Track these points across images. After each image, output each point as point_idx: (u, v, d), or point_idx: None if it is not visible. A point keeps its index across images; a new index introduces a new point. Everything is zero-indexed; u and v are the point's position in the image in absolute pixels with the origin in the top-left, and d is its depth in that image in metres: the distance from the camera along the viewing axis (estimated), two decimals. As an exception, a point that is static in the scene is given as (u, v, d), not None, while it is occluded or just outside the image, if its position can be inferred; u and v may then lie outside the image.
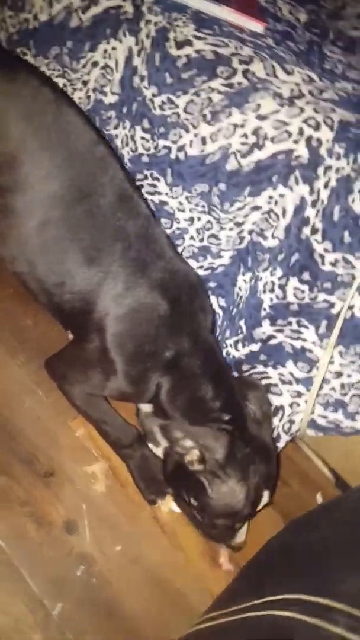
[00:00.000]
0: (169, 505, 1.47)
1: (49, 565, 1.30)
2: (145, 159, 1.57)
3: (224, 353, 1.56)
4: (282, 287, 1.40)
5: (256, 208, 1.43)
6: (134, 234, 1.35)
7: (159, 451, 1.49)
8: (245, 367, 1.54)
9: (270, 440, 1.39)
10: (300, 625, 0.69)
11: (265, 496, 1.31)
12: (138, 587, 1.34)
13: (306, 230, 1.35)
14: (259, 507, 1.32)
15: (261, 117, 1.39)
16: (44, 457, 1.46)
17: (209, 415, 1.32)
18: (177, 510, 1.46)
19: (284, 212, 1.38)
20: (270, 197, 1.40)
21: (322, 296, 1.37)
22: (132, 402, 1.53)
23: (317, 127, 1.34)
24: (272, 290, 1.42)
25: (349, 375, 1.41)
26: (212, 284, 1.58)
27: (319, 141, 1.33)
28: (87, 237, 1.33)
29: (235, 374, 1.55)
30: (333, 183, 1.31)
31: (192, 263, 1.56)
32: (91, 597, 1.29)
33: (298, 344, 1.45)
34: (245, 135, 1.40)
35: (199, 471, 1.28)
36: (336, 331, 1.35)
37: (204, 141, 1.46)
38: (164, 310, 1.33)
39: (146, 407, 1.45)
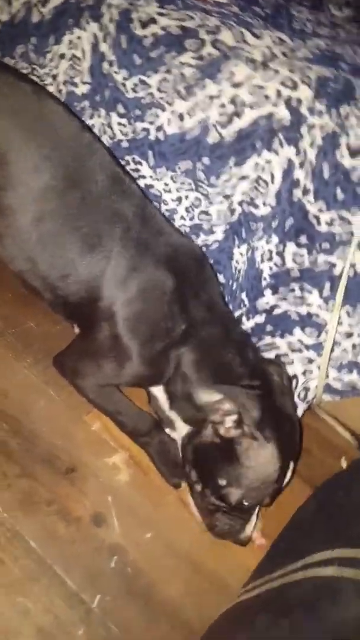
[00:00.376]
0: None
1: (82, 560, 1.29)
2: (125, 144, 1.55)
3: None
4: (280, 254, 1.38)
5: (243, 178, 1.41)
6: (131, 215, 1.33)
7: (176, 435, 1.49)
8: (252, 340, 1.52)
9: (295, 414, 1.39)
10: (343, 581, 0.68)
11: (290, 469, 1.29)
12: (174, 571, 1.34)
13: (297, 193, 1.33)
14: (285, 481, 1.30)
15: (236, 85, 1.37)
16: (64, 454, 1.45)
17: (238, 382, 1.30)
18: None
19: (272, 177, 1.36)
20: (257, 164, 1.38)
21: (322, 258, 1.35)
22: (147, 386, 1.51)
23: (294, 87, 1.32)
24: (270, 259, 1.40)
25: (359, 335, 1.40)
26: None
27: (299, 100, 1.31)
28: (85, 224, 1.31)
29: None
30: (319, 141, 1.29)
31: (186, 243, 1.54)
32: (128, 586, 1.28)
33: (303, 310, 1.43)
34: (222, 106, 1.39)
35: (235, 439, 1.25)
36: (341, 291, 1.34)
37: (181, 117, 1.44)
38: (173, 284, 1.31)
39: (159, 393, 1.43)
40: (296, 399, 1.50)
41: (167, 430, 1.49)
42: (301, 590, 0.71)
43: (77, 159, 1.33)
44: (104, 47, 1.52)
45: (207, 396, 1.26)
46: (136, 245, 1.31)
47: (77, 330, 1.51)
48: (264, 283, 1.42)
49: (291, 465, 1.29)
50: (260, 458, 1.25)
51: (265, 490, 1.28)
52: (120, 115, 1.53)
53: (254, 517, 1.33)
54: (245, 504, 1.28)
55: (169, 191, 1.53)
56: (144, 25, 1.46)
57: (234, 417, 1.24)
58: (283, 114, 1.32)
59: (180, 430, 1.42)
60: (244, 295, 1.49)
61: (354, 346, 1.41)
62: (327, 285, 1.36)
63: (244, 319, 1.49)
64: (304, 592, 0.71)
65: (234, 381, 1.29)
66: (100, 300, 1.31)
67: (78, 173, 1.32)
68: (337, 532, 0.79)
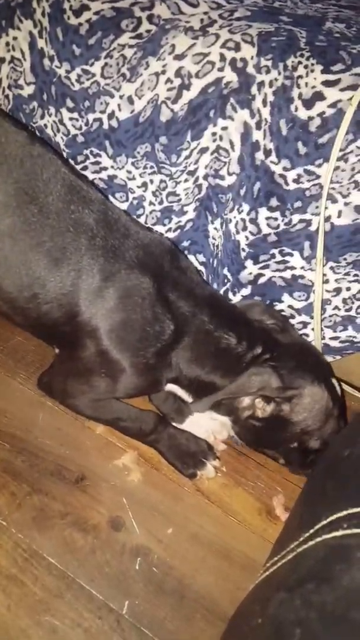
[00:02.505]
0: (210, 472, 1.42)
1: (105, 568, 1.26)
2: (80, 138, 1.50)
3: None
4: (254, 222, 1.33)
5: (203, 150, 1.36)
6: (93, 222, 1.29)
7: (182, 426, 1.45)
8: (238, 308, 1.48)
9: (302, 339, 1.41)
10: (354, 539, 0.63)
11: (336, 384, 1.31)
12: (202, 563, 1.30)
13: (259, 155, 1.28)
14: (340, 394, 1.31)
15: (179, 57, 1.32)
16: (72, 464, 1.42)
17: (243, 359, 1.28)
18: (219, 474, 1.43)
19: (232, 144, 1.31)
20: (214, 134, 1.33)
21: (296, 217, 1.30)
22: (148, 394, 1.48)
23: (237, 48, 1.27)
24: (244, 229, 1.35)
25: (347, 289, 1.35)
26: (185, 243, 1.52)
27: (244, 60, 1.26)
28: (47, 239, 1.26)
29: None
30: (271, 97, 1.24)
31: (159, 228, 1.50)
32: (157, 586, 1.25)
33: (288, 274, 1.38)
34: (169, 81, 1.34)
35: (275, 410, 1.25)
36: (320, 248, 1.29)
37: (130, 101, 1.39)
38: (150, 286, 1.26)
39: (178, 392, 1.39)
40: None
41: (175, 423, 1.45)
42: (311, 561, 0.67)
43: (30, 172, 1.29)
44: (41, 42, 1.47)
45: (223, 403, 1.28)
46: (104, 253, 1.27)
47: (57, 350, 1.46)
48: (243, 254, 1.37)
49: (333, 380, 1.30)
50: (307, 404, 1.25)
51: (334, 417, 1.29)
52: (70, 110, 1.48)
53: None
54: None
55: (133, 178, 1.49)
56: (77, 13, 1.42)
57: (259, 400, 1.24)
58: (231, 77, 1.27)
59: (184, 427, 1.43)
60: (225, 271, 1.44)
61: (344, 301, 1.36)
62: (307, 244, 1.31)
63: (230, 294, 1.45)
64: (315, 561, 0.66)
65: (239, 360, 1.28)
66: (78, 316, 1.26)
67: (32, 187, 1.28)
68: (345, 492, 0.75)
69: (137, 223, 1.37)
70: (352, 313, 1.38)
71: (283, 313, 1.44)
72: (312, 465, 1.30)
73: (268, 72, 1.24)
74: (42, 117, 1.54)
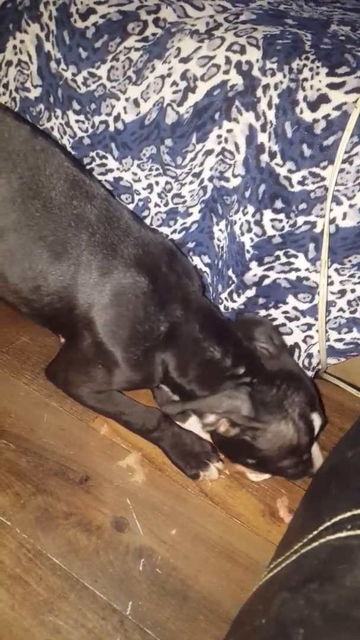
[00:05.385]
0: (213, 474, 1.42)
1: (109, 569, 1.26)
2: (86, 140, 1.51)
3: (222, 308, 1.50)
4: (259, 223, 1.33)
5: (209, 152, 1.37)
6: (95, 218, 1.31)
7: (187, 425, 1.45)
8: (232, 325, 1.48)
9: (294, 366, 1.37)
10: (357, 540, 0.63)
11: (316, 418, 1.29)
12: (206, 564, 1.30)
13: (264, 157, 1.28)
14: (317, 431, 1.30)
15: (185, 60, 1.33)
16: (75, 464, 1.42)
17: (224, 375, 1.28)
18: (222, 475, 1.43)
19: (237, 146, 1.32)
20: (219, 137, 1.34)
21: (300, 219, 1.30)
22: (144, 388, 1.49)
23: (242, 51, 1.28)
24: (249, 230, 1.35)
25: (352, 290, 1.35)
26: (190, 244, 1.52)
27: (249, 63, 1.27)
28: (49, 233, 1.28)
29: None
30: (276, 100, 1.24)
31: (164, 230, 1.51)
32: (160, 587, 1.24)
33: (292, 275, 1.38)
34: (175, 84, 1.35)
35: (238, 435, 1.26)
36: (325, 250, 1.29)
37: (136, 103, 1.40)
38: (146, 286, 1.28)
39: (167, 389, 1.40)
40: (301, 367, 1.46)
41: (179, 423, 1.45)
42: (315, 561, 0.67)
43: (33, 166, 1.30)
44: (48, 46, 1.49)
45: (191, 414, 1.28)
46: (103, 250, 1.28)
47: (62, 340, 1.48)
48: (247, 256, 1.37)
49: (314, 415, 1.29)
50: (269, 440, 1.26)
51: (296, 452, 1.29)
52: (77, 113, 1.49)
53: (316, 450, 1.33)
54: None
55: (139, 180, 1.49)
56: (84, 17, 1.43)
57: (224, 421, 1.25)
58: (236, 79, 1.28)
59: (195, 423, 1.41)
60: (230, 272, 1.44)
61: (349, 303, 1.36)
62: (311, 246, 1.31)
63: (234, 295, 1.45)
64: (318, 561, 0.66)
65: (221, 374, 1.29)
66: (76, 308, 1.29)
67: (35, 181, 1.29)
68: (348, 493, 0.75)
69: (140, 222, 1.38)
70: (357, 315, 1.38)
71: (287, 314, 1.44)
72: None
73: (273, 74, 1.24)
74: (49, 119, 1.55)
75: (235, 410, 1.21)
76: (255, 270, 1.39)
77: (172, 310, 1.30)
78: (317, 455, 1.34)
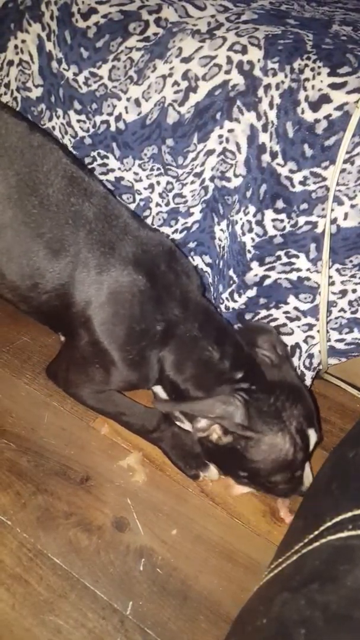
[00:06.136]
0: (213, 474, 1.42)
1: (110, 569, 1.25)
2: (87, 140, 1.51)
3: (222, 308, 1.50)
4: (260, 223, 1.33)
5: (210, 152, 1.37)
6: (93, 216, 1.30)
7: (186, 426, 1.45)
8: (248, 316, 1.48)
9: (295, 378, 1.33)
10: (358, 540, 0.63)
11: (312, 434, 1.25)
12: (206, 564, 1.29)
13: (266, 157, 1.28)
14: (311, 447, 1.26)
15: (186, 60, 1.33)
16: (76, 464, 1.42)
17: (221, 378, 1.26)
18: (222, 476, 1.41)
19: (238, 146, 1.32)
20: (220, 137, 1.33)
21: (302, 219, 1.30)
22: (141, 389, 1.48)
23: (244, 51, 1.28)
24: (250, 230, 1.35)
25: (353, 291, 1.35)
26: (191, 244, 1.52)
27: (250, 63, 1.27)
28: (46, 230, 1.28)
29: (238, 325, 1.50)
30: (277, 100, 1.24)
31: (166, 229, 1.51)
32: (161, 587, 1.24)
33: (293, 276, 1.38)
34: (176, 83, 1.35)
35: (231, 443, 1.23)
36: (326, 250, 1.29)
37: (138, 103, 1.40)
38: (143, 284, 1.27)
39: (159, 392, 1.39)
40: (302, 369, 1.45)
41: (179, 423, 1.45)
42: (316, 561, 0.67)
43: (30, 163, 1.30)
44: (49, 45, 1.49)
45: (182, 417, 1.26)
46: (101, 247, 1.28)
47: (62, 338, 1.48)
48: (248, 256, 1.37)
49: (310, 430, 1.25)
50: (263, 452, 1.21)
51: (290, 468, 1.24)
52: (78, 112, 1.49)
53: (307, 468, 1.30)
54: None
55: (140, 180, 1.49)
56: (85, 16, 1.43)
57: (216, 427, 1.21)
58: (237, 79, 1.28)
59: (189, 427, 1.38)
60: (231, 272, 1.44)
61: (350, 303, 1.36)
62: (313, 246, 1.31)
63: (235, 295, 1.45)
64: (319, 561, 0.66)
65: (217, 376, 1.26)
66: (73, 306, 1.28)
67: (32, 178, 1.29)
68: (350, 493, 0.75)
69: (139, 221, 1.38)
70: (358, 315, 1.38)
71: (288, 315, 1.44)
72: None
73: (275, 74, 1.24)
74: (50, 119, 1.55)
75: (228, 417, 1.17)
76: (256, 270, 1.39)
77: (170, 309, 1.29)
78: (308, 474, 1.31)
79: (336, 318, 1.40)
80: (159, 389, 1.38)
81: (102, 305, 1.27)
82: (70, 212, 1.28)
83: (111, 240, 1.28)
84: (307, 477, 1.31)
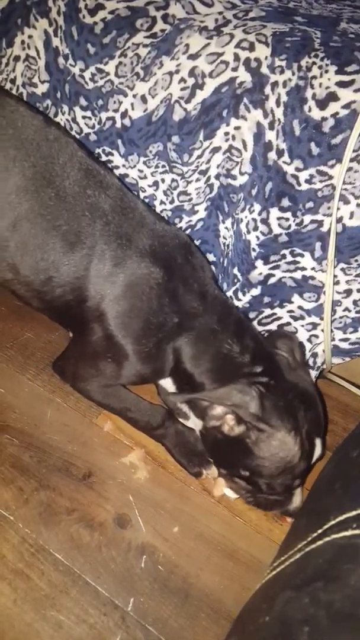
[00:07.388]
0: (215, 473, 1.41)
1: (111, 565, 1.26)
2: (93, 137, 1.51)
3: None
4: (265, 222, 1.33)
5: (216, 150, 1.36)
6: (109, 208, 1.29)
7: (190, 423, 1.45)
8: (252, 315, 1.48)
9: (311, 385, 1.31)
10: (362, 540, 0.63)
11: (318, 445, 1.23)
12: (208, 562, 1.30)
13: (272, 155, 1.28)
14: (314, 459, 1.24)
15: (193, 56, 1.32)
16: (79, 460, 1.43)
17: (240, 371, 1.23)
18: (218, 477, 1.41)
19: (244, 144, 1.31)
20: (226, 134, 1.33)
21: (307, 218, 1.30)
22: (152, 382, 1.48)
23: (251, 48, 1.27)
24: (255, 229, 1.35)
25: (358, 290, 1.35)
26: (196, 242, 1.52)
27: (258, 60, 1.26)
28: (63, 222, 1.27)
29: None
30: (284, 98, 1.24)
31: (170, 227, 1.50)
32: (162, 584, 1.25)
33: (298, 274, 1.38)
34: (183, 80, 1.34)
35: (242, 434, 1.20)
36: (332, 249, 1.28)
37: (144, 100, 1.40)
38: (160, 277, 1.26)
39: (168, 385, 1.39)
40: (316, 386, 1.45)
41: (182, 420, 1.45)
42: (320, 559, 0.67)
43: (46, 155, 1.29)
44: (56, 41, 1.48)
45: (198, 403, 1.23)
46: (117, 240, 1.27)
47: (71, 334, 1.48)
48: (253, 254, 1.37)
49: (317, 440, 1.23)
50: (273, 447, 1.18)
51: (292, 473, 1.22)
52: (84, 108, 1.49)
53: (299, 491, 1.29)
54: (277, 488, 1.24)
55: (145, 177, 1.49)
56: (92, 12, 1.42)
57: (232, 416, 1.20)
58: (244, 77, 1.27)
59: (194, 422, 1.37)
60: (236, 270, 1.44)
61: (355, 303, 1.36)
62: (318, 245, 1.31)
63: (239, 294, 1.45)
64: (323, 560, 0.66)
65: (236, 370, 1.24)
66: (87, 300, 1.27)
67: (49, 170, 1.28)
68: (354, 492, 0.75)
69: (154, 214, 1.36)
70: (363, 314, 1.38)
71: (292, 314, 1.44)
72: (254, 494, 1.29)
73: (282, 72, 1.24)
74: (56, 115, 1.55)
75: (244, 405, 1.14)
76: (260, 269, 1.39)
77: (188, 302, 1.27)
78: (298, 495, 1.29)
79: (340, 317, 1.40)
80: (166, 382, 1.37)
81: (118, 298, 1.25)
82: (87, 204, 1.28)
83: (128, 233, 1.28)
84: (297, 498, 1.29)
